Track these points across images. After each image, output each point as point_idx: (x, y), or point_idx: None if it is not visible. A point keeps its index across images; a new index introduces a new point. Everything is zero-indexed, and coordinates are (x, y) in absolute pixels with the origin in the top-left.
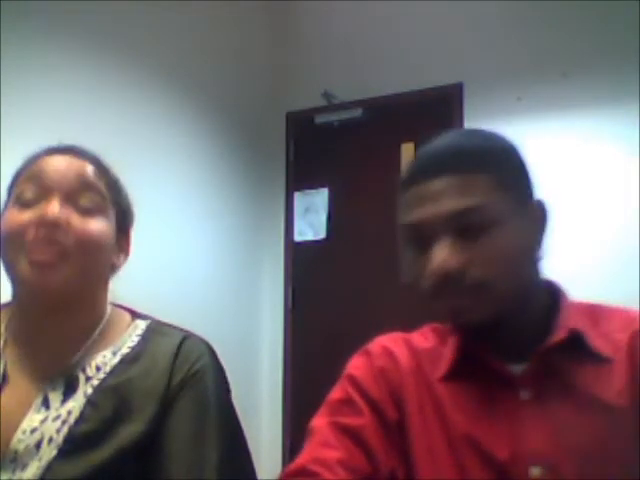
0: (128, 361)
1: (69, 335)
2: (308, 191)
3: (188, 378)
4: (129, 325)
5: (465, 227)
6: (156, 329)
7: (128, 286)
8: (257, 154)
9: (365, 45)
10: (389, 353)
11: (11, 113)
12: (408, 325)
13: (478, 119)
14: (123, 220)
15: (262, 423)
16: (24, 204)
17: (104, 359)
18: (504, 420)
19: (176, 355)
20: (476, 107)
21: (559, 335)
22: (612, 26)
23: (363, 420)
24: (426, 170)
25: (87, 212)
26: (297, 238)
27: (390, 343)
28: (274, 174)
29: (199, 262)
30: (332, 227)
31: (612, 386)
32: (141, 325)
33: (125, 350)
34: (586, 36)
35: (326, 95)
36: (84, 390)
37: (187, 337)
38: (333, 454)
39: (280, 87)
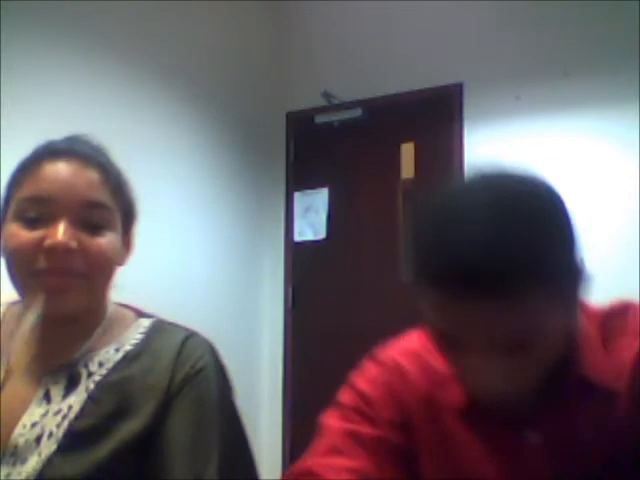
0: (130, 358)
1: (72, 333)
2: (308, 191)
3: (190, 376)
4: (133, 323)
5: (510, 346)
6: (159, 327)
7: (128, 286)
8: (257, 154)
9: (365, 45)
10: (401, 373)
11: (11, 113)
12: (408, 325)
13: (478, 119)
14: (127, 219)
15: (262, 423)
16: (28, 222)
17: (107, 355)
18: (510, 461)
19: (179, 353)
20: (476, 107)
21: (570, 383)
22: (612, 26)
23: (376, 433)
24: (462, 286)
25: (95, 229)
26: (297, 238)
27: (403, 359)
28: (274, 174)
29: (199, 262)
30: (332, 227)
31: (616, 416)
32: (145, 323)
33: (128, 347)
34: (586, 36)
35: (326, 95)
36: (86, 385)
37: (190, 335)
38: (343, 462)
39: (280, 87)
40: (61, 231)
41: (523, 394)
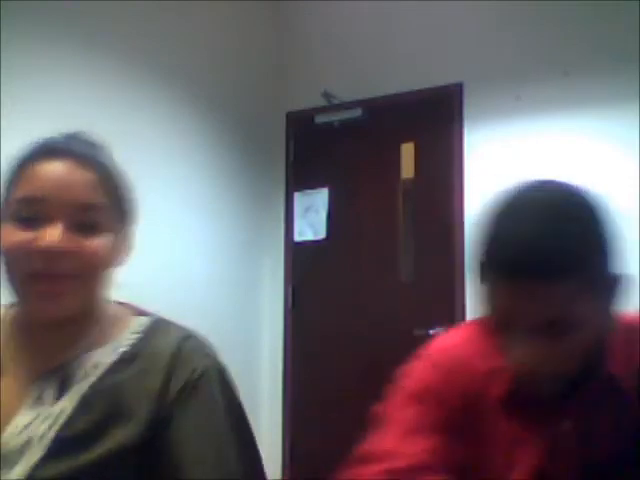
0: (126, 360)
1: (66, 335)
2: (308, 191)
3: (192, 381)
4: (130, 322)
5: (549, 329)
6: (157, 327)
7: (128, 286)
8: (257, 154)
9: (365, 45)
10: (445, 369)
11: (11, 113)
12: (408, 324)
13: (478, 119)
14: (124, 219)
15: (262, 423)
16: (23, 222)
17: (102, 357)
18: (542, 448)
19: (175, 356)
20: (476, 107)
21: (598, 380)
22: (612, 26)
23: (437, 415)
24: (516, 272)
25: (90, 230)
26: (297, 238)
27: (446, 356)
28: (274, 174)
29: (199, 262)
30: (332, 227)
31: (632, 412)
32: (142, 322)
33: (124, 348)
34: (586, 36)
35: (326, 95)
36: (79, 388)
37: (187, 337)
38: (418, 444)
39: (280, 87)
40: (53, 233)
41: (556, 377)
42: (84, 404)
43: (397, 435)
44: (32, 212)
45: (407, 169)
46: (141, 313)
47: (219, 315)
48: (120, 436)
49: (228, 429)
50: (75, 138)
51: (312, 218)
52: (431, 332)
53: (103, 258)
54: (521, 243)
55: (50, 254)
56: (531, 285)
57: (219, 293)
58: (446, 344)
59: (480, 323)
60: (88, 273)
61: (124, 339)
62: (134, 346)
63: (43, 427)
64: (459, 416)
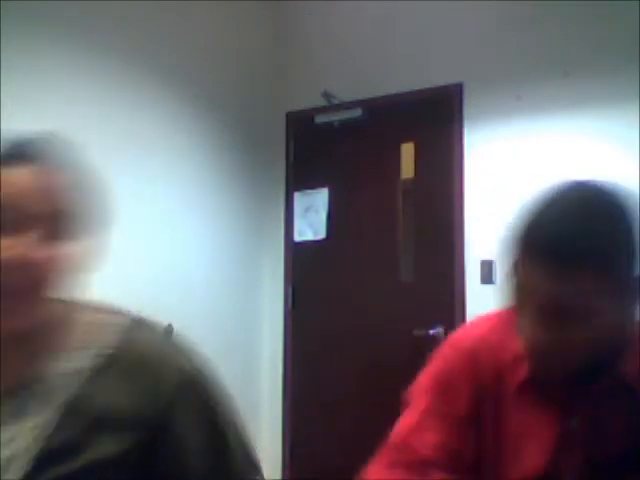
0: (108, 363)
1: (36, 343)
2: (308, 191)
3: (184, 381)
4: (107, 324)
5: (561, 314)
6: (136, 327)
7: (129, 286)
8: (257, 154)
9: (365, 45)
10: (472, 355)
11: (12, 113)
12: (408, 324)
13: (478, 119)
14: (95, 225)
15: (262, 423)
16: None
17: (82, 362)
18: (552, 440)
19: (161, 357)
20: (476, 107)
21: (610, 380)
22: (612, 26)
23: (455, 410)
24: (548, 257)
25: (50, 238)
26: (297, 238)
27: (474, 342)
28: (274, 174)
29: (199, 262)
30: (332, 227)
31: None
32: (120, 322)
33: (104, 351)
34: (586, 36)
35: (326, 95)
36: (62, 397)
37: (168, 336)
38: (431, 437)
39: (280, 87)
40: (7, 245)
41: (565, 363)
42: (69, 413)
43: (414, 423)
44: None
45: (407, 169)
46: (116, 313)
47: (219, 315)
48: (108, 443)
49: (225, 423)
50: (37, 142)
51: (312, 218)
52: (431, 332)
53: (59, 267)
54: (554, 231)
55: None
56: (554, 268)
57: (219, 293)
58: (470, 333)
59: (506, 313)
60: (42, 285)
61: (103, 342)
62: (115, 348)
63: (28, 440)
64: (474, 404)
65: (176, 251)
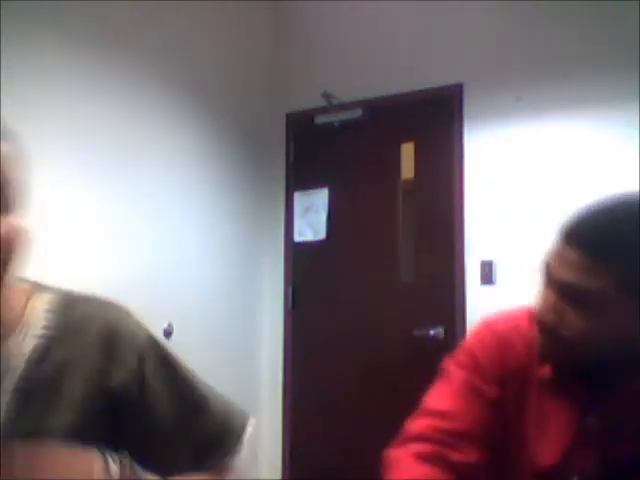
0: (49, 342)
1: None
2: (308, 191)
3: (141, 348)
4: (35, 301)
5: (571, 296)
6: (68, 301)
7: (129, 286)
8: (257, 154)
9: (365, 45)
10: (507, 341)
11: (11, 114)
12: (408, 324)
13: (478, 119)
14: (11, 196)
15: (262, 423)
16: None
17: (21, 344)
18: (570, 437)
19: (107, 328)
20: (476, 107)
21: (632, 385)
22: (612, 26)
23: (470, 380)
24: (588, 248)
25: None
26: (297, 238)
27: (510, 330)
28: (274, 174)
29: (199, 262)
30: (332, 227)
31: None
32: (49, 299)
33: (41, 330)
34: (586, 36)
35: (326, 95)
36: (9, 382)
37: (106, 306)
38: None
39: (280, 87)
40: None
41: (571, 346)
42: (20, 397)
43: (448, 395)
44: None
45: (407, 169)
46: (40, 289)
47: (219, 315)
48: (64, 420)
49: (192, 381)
50: None
51: (312, 218)
52: (431, 332)
53: (18, 240)
54: (590, 225)
55: None
56: (581, 254)
57: (219, 293)
58: (507, 319)
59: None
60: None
61: (37, 320)
62: (52, 326)
63: None
64: (501, 389)
65: (176, 251)
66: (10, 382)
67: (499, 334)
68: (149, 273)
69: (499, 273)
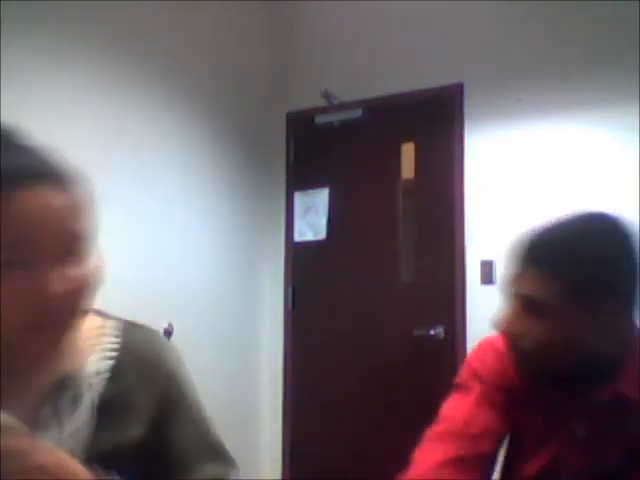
0: (119, 365)
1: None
2: (308, 191)
3: (177, 379)
4: (102, 327)
5: (525, 305)
6: (129, 328)
7: (129, 286)
8: (257, 154)
9: (365, 45)
10: (504, 356)
11: (11, 115)
12: (408, 324)
13: (478, 119)
14: (86, 244)
15: (262, 423)
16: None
17: (96, 365)
18: (559, 447)
19: (157, 356)
20: (476, 107)
21: (609, 392)
22: (612, 26)
23: (480, 389)
24: (538, 262)
25: (71, 258)
26: (297, 238)
27: (506, 349)
28: (274, 174)
29: (199, 262)
30: (332, 227)
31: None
32: (114, 325)
33: (113, 353)
34: (586, 36)
35: (326, 95)
36: (90, 400)
37: (154, 334)
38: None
39: (280, 87)
40: (51, 281)
41: (530, 353)
42: (101, 415)
43: (463, 404)
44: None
45: (407, 169)
46: (103, 315)
47: (219, 315)
48: (133, 437)
49: (206, 417)
50: (49, 154)
51: (312, 218)
52: (431, 332)
53: (90, 285)
54: (541, 241)
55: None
56: (524, 266)
57: (219, 293)
58: (502, 338)
59: None
60: (81, 302)
61: (107, 344)
62: (120, 350)
63: (70, 445)
64: (505, 397)
65: (176, 251)
66: (91, 400)
67: (498, 350)
68: (149, 273)
69: (499, 273)
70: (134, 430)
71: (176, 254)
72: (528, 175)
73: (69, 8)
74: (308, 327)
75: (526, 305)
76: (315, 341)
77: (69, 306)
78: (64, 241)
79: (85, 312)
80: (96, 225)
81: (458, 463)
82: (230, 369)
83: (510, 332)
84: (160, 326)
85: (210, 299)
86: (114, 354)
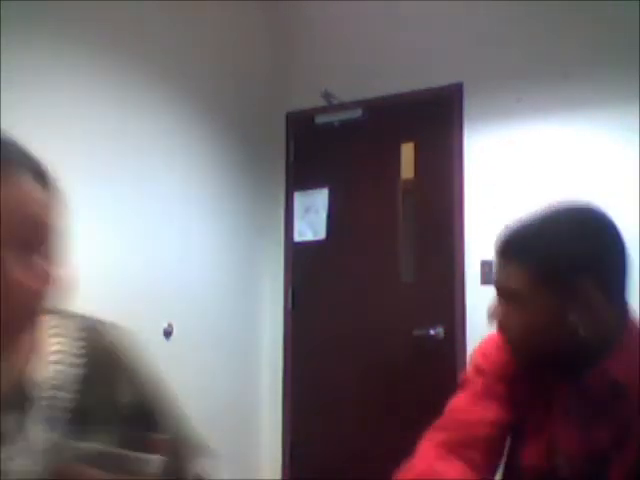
0: (82, 370)
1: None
2: (308, 191)
3: (144, 376)
4: (62, 326)
5: (506, 296)
6: (89, 327)
7: (129, 286)
8: (257, 154)
9: (365, 45)
10: (504, 354)
11: (12, 115)
12: (408, 324)
13: (478, 119)
14: (59, 243)
15: (262, 423)
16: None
17: (58, 371)
18: (550, 432)
19: (120, 357)
20: (476, 107)
21: (600, 379)
22: (612, 26)
23: (485, 382)
24: (504, 253)
25: (36, 250)
26: (297, 238)
27: (499, 345)
28: (274, 174)
29: (199, 262)
30: (332, 227)
31: (628, 406)
32: (75, 326)
33: (75, 358)
34: (586, 36)
35: (326, 95)
36: (52, 410)
37: (114, 329)
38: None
39: (280, 87)
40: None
41: (514, 340)
42: (69, 426)
43: (461, 398)
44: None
45: (407, 169)
46: (64, 315)
47: (219, 315)
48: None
49: (177, 409)
50: (13, 143)
51: (312, 218)
52: (431, 332)
53: (54, 281)
54: (510, 233)
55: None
56: (500, 260)
57: (219, 293)
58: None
59: None
60: (45, 298)
61: (71, 350)
62: (85, 356)
63: (39, 458)
64: (508, 387)
65: (176, 251)
66: (55, 407)
67: (500, 343)
68: (149, 273)
69: None
70: (105, 442)
71: (176, 254)
72: (528, 175)
73: (69, 8)
74: (308, 327)
75: (505, 296)
76: (315, 341)
77: (30, 300)
78: (35, 233)
79: (45, 311)
80: (68, 230)
81: (447, 446)
82: (230, 369)
83: (497, 323)
84: (160, 326)
85: (210, 299)
86: (79, 361)
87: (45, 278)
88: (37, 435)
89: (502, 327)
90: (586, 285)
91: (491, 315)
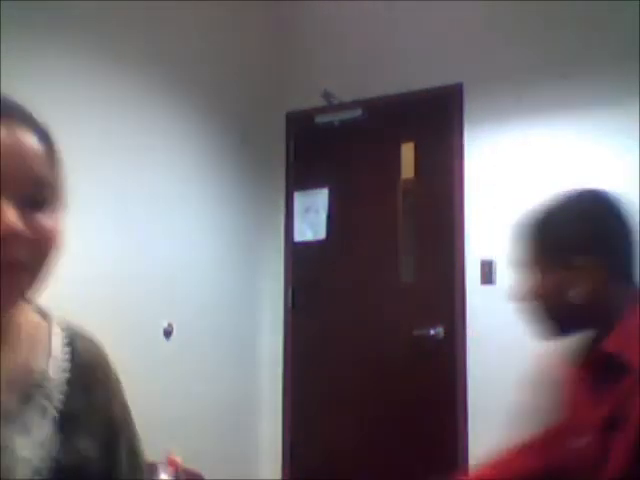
0: (74, 374)
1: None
2: (308, 191)
3: (121, 391)
4: (50, 324)
5: (525, 271)
6: (73, 331)
7: (129, 286)
8: (257, 154)
9: (365, 45)
10: None
11: None
12: (408, 324)
13: (478, 119)
14: (61, 200)
15: (262, 423)
16: None
17: (53, 370)
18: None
19: (103, 366)
20: (476, 107)
21: (600, 353)
22: (612, 26)
23: None
24: (520, 233)
25: (39, 209)
26: (297, 238)
27: None
28: (274, 174)
29: (199, 262)
30: (332, 227)
31: (627, 383)
32: (61, 327)
33: (65, 362)
34: (586, 37)
35: (326, 95)
36: (50, 408)
37: (93, 341)
38: None
39: (280, 87)
40: (10, 215)
41: (537, 305)
42: (63, 424)
43: None
44: None
45: (407, 169)
46: (45, 314)
47: (219, 315)
48: (91, 456)
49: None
50: (10, 99)
51: (312, 218)
52: (431, 332)
53: (56, 242)
54: (528, 217)
55: (9, 242)
56: (517, 241)
57: (219, 293)
58: None
59: None
60: (43, 262)
61: (60, 353)
62: (71, 361)
63: (39, 456)
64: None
65: (176, 251)
66: (52, 408)
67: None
68: (149, 273)
69: (499, 273)
70: (91, 449)
71: (175, 253)
72: (528, 175)
73: (69, 8)
74: (308, 327)
75: (521, 269)
76: (315, 341)
77: (21, 254)
78: (31, 184)
79: (36, 285)
80: (66, 186)
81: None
82: (230, 369)
83: (518, 294)
84: (160, 326)
85: (210, 299)
86: (67, 365)
87: (39, 232)
88: (35, 424)
89: (521, 296)
90: (590, 260)
91: (514, 289)
